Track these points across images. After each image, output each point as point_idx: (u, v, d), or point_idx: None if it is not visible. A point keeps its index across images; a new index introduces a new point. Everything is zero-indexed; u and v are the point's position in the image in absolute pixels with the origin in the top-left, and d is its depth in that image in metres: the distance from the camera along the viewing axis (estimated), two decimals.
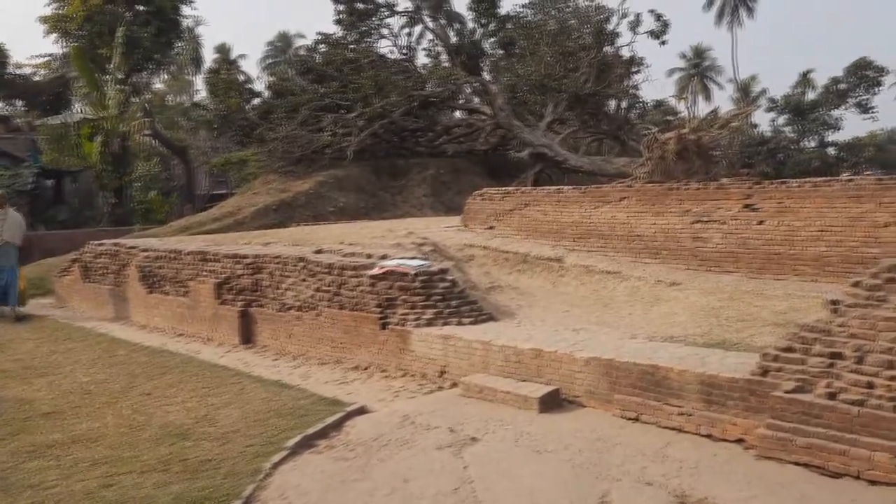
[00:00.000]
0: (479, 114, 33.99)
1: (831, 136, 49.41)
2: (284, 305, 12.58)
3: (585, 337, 9.66)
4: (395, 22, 35.44)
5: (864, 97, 47.54)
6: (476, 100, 34.99)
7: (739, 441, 7.13)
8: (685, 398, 7.60)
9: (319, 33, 34.33)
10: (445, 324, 10.52)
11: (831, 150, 48.86)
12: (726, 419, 7.26)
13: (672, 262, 13.72)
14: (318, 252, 12.90)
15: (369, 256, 11.86)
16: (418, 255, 12.47)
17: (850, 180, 12.52)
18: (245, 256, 13.59)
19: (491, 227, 16.81)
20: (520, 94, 33.98)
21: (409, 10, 34.76)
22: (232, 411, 9.03)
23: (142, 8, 39.14)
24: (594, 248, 14.89)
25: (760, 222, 12.73)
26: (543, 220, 15.91)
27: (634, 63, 35.85)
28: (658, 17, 34.27)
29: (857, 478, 6.22)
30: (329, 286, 11.69)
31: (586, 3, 35.24)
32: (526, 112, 34.10)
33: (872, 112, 48.00)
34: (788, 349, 6.97)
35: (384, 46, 34.67)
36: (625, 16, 34.08)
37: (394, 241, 14.01)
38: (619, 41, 35.17)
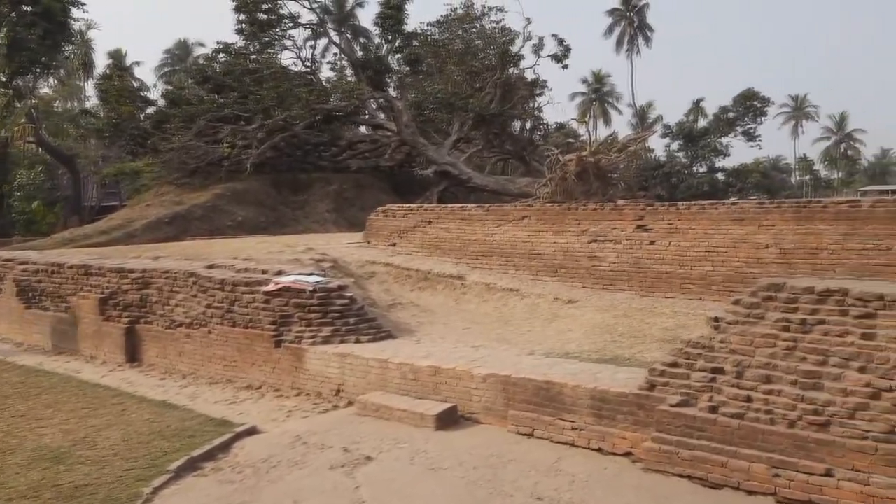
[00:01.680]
0: (385, 130, 33.95)
1: (720, 162, 52.25)
2: (173, 322, 12.05)
3: (484, 353, 9.70)
4: (299, 34, 35.03)
5: (750, 126, 50.49)
6: (381, 116, 34.93)
7: (628, 454, 7.29)
8: (578, 413, 7.72)
9: (220, 42, 33.49)
10: (343, 341, 10.34)
11: (720, 176, 51.60)
12: (616, 433, 7.41)
13: (570, 280, 14.03)
14: (211, 267, 12.45)
15: (264, 272, 11.53)
16: (317, 271, 12.22)
17: (733, 203, 13.19)
18: (132, 271, 12.95)
19: (393, 244, 16.72)
20: (426, 112, 34.21)
21: (314, 22, 34.41)
22: (112, 433, 8.57)
23: (28, 8, 36.93)
24: (496, 266, 15.05)
25: (652, 242, 13.21)
26: (446, 237, 15.96)
27: (538, 85, 36.80)
28: (560, 41, 35.36)
29: (737, 488, 6.47)
30: (221, 303, 11.28)
31: (491, 25, 35.92)
32: (432, 130, 34.34)
33: (757, 140, 51.08)
34: (674, 364, 7.20)
35: (287, 58, 34.17)
36: (528, 39, 35.01)
37: (292, 257, 13.71)
38: (523, 63, 36.09)
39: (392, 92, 35.38)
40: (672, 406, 6.97)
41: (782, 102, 75.26)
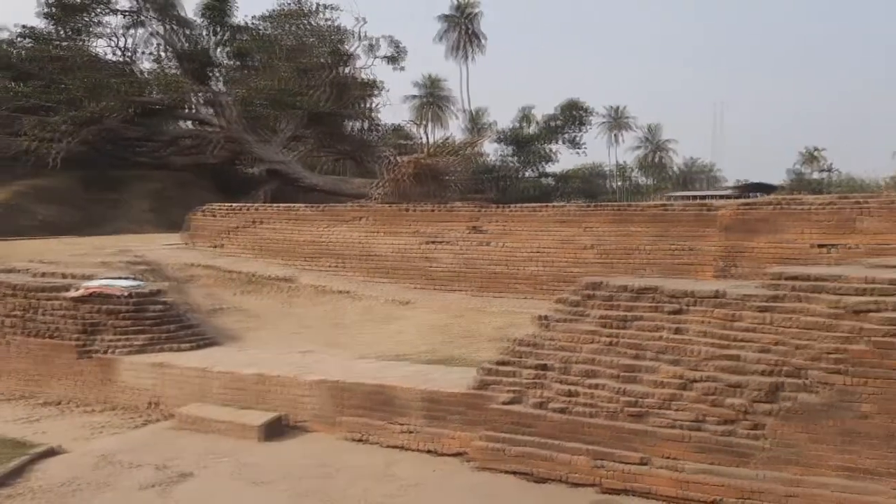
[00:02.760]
0: (209, 125, 32.30)
1: (548, 168, 54.74)
2: None
3: (314, 359, 9.39)
4: (115, 21, 32.46)
5: (574, 133, 53.35)
6: (207, 111, 33.15)
7: (459, 454, 7.28)
8: (410, 416, 7.62)
9: (19, 25, 30.31)
10: (160, 350, 9.61)
11: (547, 181, 54.06)
12: (447, 434, 7.38)
13: (404, 282, 13.97)
14: (7, 271, 11.12)
15: (64, 276, 10.46)
16: (130, 275, 11.27)
17: (559, 207, 13.75)
18: None
19: (217, 246, 15.84)
20: (253, 108, 32.84)
21: (131, 9, 32.03)
22: None
23: None
24: (328, 268, 14.68)
25: (484, 244, 13.45)
26: (275, 238, 15.36)
27: (372, 86, 36.57)
28: (394, 43, 35.44)
29: (562, 481, 6.63)
30: (16, 310, 10.08)
31: (324, 23, 35.19)
32: (261, 127, 33.04)
33: (580, 147, 54.07)
34: (504, 363, 7.28)
35: (100, 47, 31.62)
36: (362, 39, 34.73)
37: (102, 260, 12.57)
38: (358, 63, 35.74)
39: (218, 86, 33.75)
40: (502, 404, 7.04)
41: (603, 113, 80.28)
